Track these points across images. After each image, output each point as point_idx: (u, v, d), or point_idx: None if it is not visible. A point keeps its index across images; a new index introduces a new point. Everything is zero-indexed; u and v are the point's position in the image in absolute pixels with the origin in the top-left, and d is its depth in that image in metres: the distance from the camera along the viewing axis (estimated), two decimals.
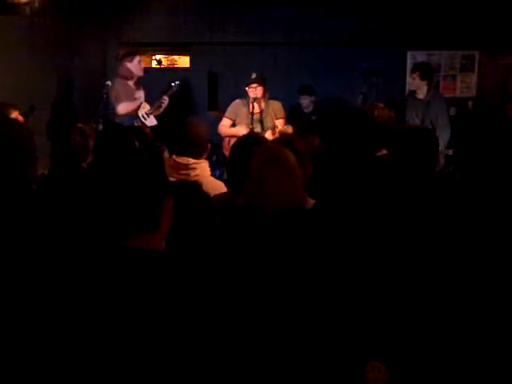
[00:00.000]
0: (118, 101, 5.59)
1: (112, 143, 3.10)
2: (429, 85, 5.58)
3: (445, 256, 2.19)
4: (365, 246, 2.14)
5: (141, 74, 5.80)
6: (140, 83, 5.86)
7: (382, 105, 4.28)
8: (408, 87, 6.70)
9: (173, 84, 5.81)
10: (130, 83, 5.76)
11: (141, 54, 7.81)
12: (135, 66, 5.76)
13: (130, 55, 5.83)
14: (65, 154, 3.33)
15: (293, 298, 2.03)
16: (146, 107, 5.71)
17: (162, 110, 5.76)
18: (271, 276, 2.07)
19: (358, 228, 2.17)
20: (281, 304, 2.02)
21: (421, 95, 5.56)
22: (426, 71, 5.62)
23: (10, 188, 2.31)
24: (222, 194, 2.96)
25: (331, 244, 2.13)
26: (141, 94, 5.79)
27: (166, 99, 5.71)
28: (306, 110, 6.58)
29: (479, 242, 2.24)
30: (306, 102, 6.54)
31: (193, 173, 3.33)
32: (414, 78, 5.58)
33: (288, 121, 5.88)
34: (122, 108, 5.58)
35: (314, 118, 6.46)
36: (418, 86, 5.57)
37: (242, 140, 3.11)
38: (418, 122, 5.42)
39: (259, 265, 2.10)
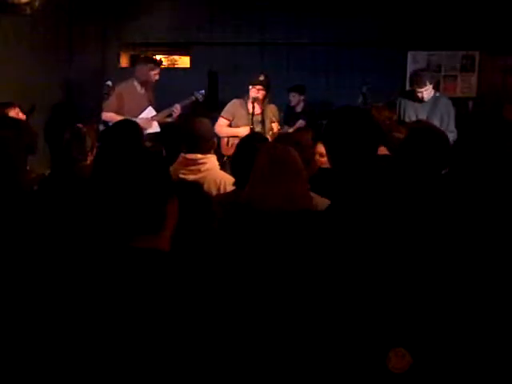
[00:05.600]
0: (114, 105, 5.48)
1: (118, 142, 3.11)
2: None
3: (459, 250, 2.19)
4: (380, 242, 2.13)
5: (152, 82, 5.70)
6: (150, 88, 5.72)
7: (380, 104, 4.28)
8: (407, 87, 6.70)
9: (195, 93, 5.70)
10: (140, 89, 5.63)
11: (141, 54, 7.86)
12: (152, 74, 5.65)
13: (154, 64, 5.72)
14: (61, 154, 3.32)
15: (305, 291, 2.03)
16: (151, 112, 5.60)
17: (172, 118, 5.64)
18: (277, 275, 2.07)
19: (373, 229, 2.17)
20: (295, 293, 2.02)
21: (426, 97, 5.31)
22: (430, 76, 5.47)
23: None
24: (226, 193, 2.98)
25: (346, 241, 2.12)
26: (145, 104, 5.65)
27: (177, 108, 5.59)
28: (296, 109, 6.70)
29: (479, 242, 2.24)
30: (294, 99, 6.69)
31: (202, 167, 3.41)
32: (427, 89, 5.29)
33: (284, 121, 5.95)
34: (106, 116, 5.46)
35: (302, 124, 6.48)
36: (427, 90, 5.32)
37: (247, 138, 3.14)
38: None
39: (263, 264, 2.10)
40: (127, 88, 5.55)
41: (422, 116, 5.23)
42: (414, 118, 5.29)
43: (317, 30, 7.00)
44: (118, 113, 5.39)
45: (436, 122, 5.04)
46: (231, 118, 5.38)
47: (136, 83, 5.59)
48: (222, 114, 5.43)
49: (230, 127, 5.38)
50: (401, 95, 5.62)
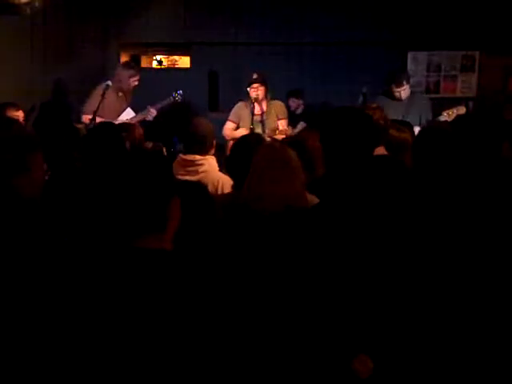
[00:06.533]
0: (92, 106, 5.39)
1: (106, 143, 3.10)
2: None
3: (441, 254, 2.20)
4: (375, 244, 2.14)
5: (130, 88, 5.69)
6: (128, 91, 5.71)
7: (374, 105, 4.28)
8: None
9: (173, 93, 5.67)
10: (118, 91, 5.62)
11: (141, 54, 7.85)
12: (131, 81, 5.65)
13: (134, 70, 5.72)
14: (61, 155, 3.31)
15: (287, 294, 2.04)
16: (129, 113, 5.59)
17: (151, 118, 5.61)
18: (270, 275, 2.07)
19: (357, 226, 2.18)
20: (276, 300, 2.03)
21: (403, 96, 5.51)
22: (407, 76, 5.62)
23: None
24: (225, 194, 2.97)
25: (329, 242, 2.13)
26: (124, 106, 5.63)
27: (151, 111, 5.55)
28: (296, 112, 6.70)
29: (476, 243, 2.24)
30: (293, 104, 6.72)
31: (200, 169, 3.41)
32: (404, 89, 5.49)
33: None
34: (87, 119, 5.38)
35: (301, 126, 6.48)
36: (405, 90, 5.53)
37: (242, 139, 3.12)
38: None
39: (259, 264, 2.10)
40: (106, 88, 5.51)
41: (400, 114, 5.32)
42: (394, 117, 5.32)
43: (317, 30, 6.99)
44: (97, 113, 5.33)
45: (413, 119, 5.21)
46: (237, 121, 5.41)
47: (114, 85, 5.56)
48: (229, 117, 5.47)
49: (237, 129, 5.40)
50: (381, 94, 5.69)
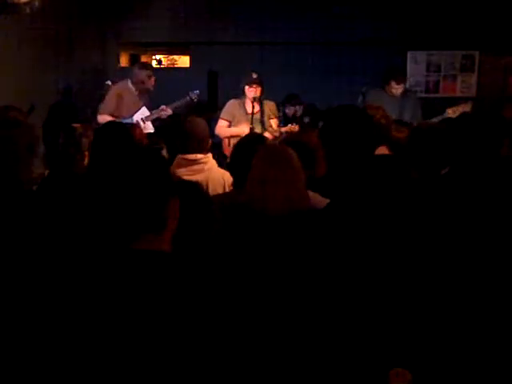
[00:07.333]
0: (109, 108, 5.44)
1: (114, 143, 3.09)
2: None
3: (462, 257, 2.17)
4: (381, 247, 2.12)
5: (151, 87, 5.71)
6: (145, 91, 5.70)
7: (375, 104, 4.28)
8: (408, 86, 6.69)
9: (190, 93, 5.66)
10: (135, 90, 5.62)
11: (140, 54, 7.85)
12: (152, 81, 5.67)
13: (152, 71, 5.74)
14: (57, 154, 3.31)
15: (304, 300, 2.02)
16: (144, 113, 5.59)
17: (163, 118, 5.64)
18: (277, 277, 2.06)
19: (372, 229, 2.16)
20: (293, 306, 2.01)
21: (399, 93, 5.60)
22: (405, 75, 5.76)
23: None
24: (225, 194, 2.97)
25: (344, 245, 2.11)
26: (140, 105, 5.63)
27: (165, 110, 5.56)
28: (297, 114, 6.64)
29: (477, 243, 2.23)
30: (290, 111, 6.59)
31: (206, 166, 3.40)
32: (401, 87, 5.61)
33: (284, 122, 5.94)
34: (104, 119, 5.29)
35: (306, 119, 6.47)
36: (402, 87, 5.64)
37: (245, 138, 3.12)
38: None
39: (263, 266, 2.09)
40: (124, 88, 5.53)
41: (395, 110, 5.33)
42: (390, 113, 5.32)
43: (317, 30, 6.99)
44: (114, 113, 5.37)
45: (407, 115, 5.36)
46: (231, 119, 5.38)
47: (131, 85, 5.58)
48: (222, 115, 5.44)
49: (237, 126, 5.38)
50: (368, 91, 5.69)
